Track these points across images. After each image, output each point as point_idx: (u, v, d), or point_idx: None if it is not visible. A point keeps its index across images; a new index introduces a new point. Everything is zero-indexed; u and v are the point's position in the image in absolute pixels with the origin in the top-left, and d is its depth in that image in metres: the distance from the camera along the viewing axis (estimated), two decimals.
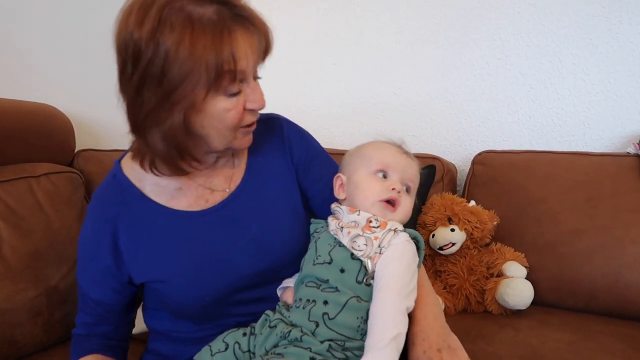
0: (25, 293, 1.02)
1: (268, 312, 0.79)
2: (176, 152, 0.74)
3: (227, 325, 0.81)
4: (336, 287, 0.74)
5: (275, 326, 0.75)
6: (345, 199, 0.85)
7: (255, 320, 0.79)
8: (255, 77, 0.76)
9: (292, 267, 0.85)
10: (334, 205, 0.85)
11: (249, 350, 0.76)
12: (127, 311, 0.88)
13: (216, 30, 0.67)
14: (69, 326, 1.10)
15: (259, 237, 0.83)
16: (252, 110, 0.75)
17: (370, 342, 0.68)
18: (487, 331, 1.14)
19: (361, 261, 0.75)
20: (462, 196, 1.45)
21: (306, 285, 0.77)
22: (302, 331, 0.71)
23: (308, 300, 0.75)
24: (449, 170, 1.49)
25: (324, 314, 0.72)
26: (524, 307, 1.21)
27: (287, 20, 1.89)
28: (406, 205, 0.81)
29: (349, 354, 0.71)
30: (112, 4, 1.49)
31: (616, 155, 1.36)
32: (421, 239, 0.80)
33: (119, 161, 0.86)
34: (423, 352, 0.72)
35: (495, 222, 1.32)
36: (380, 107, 1.77)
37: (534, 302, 1.22)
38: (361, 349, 0.70)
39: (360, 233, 0.77)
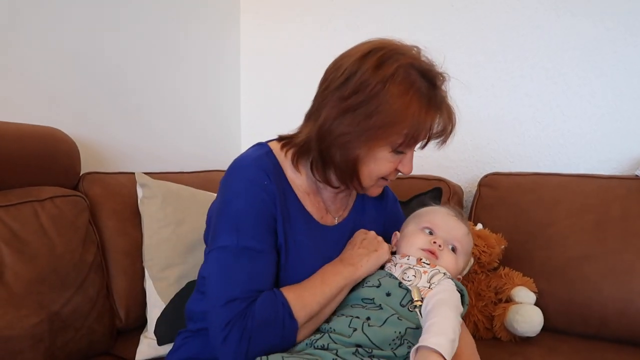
0: (27, 319, 1.01)
1: None
2: (349, 174, 0.83)
3: None
4: (380, 305, 0.80)
5: (300, 341, 0.79)
6: (396, 250, 0.95)
7: None
8: (420, 148, 0.88)
9: None
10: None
11: None
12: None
13: (427, 104, 0.79)
14: (71, 353, 1.10)
15: None
16: (397, 172, 0.87)
17: (432, 331, 0.71)
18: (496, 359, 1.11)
19: (407, 290, 0.82)
20: (469, 219, 1.44)
21: (351, 306, 0.83)
22: (330, 338, 0.76)
23: (351, 316, 0.80)
24: (455, 193, 1.48)
25: (364, 323, 0.77)
26: (533, 335, 1.18)
27: (282, 41, 1.91)
28: (448, 261, 0.90)
29: None
30: (119, 28, 1.51)
31: (625, 178, 1.34)
32: (466, 292, 0.86)
33: (267, 143, 0.92)
34: None
35: (503, 246, 1.30)
36: None
37: (543, 328, 1.20)
38: (390, 358, 0.75)
39: (411, 266, 0.86)
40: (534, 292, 1.24)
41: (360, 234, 0.92)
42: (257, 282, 0.79)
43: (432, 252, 0.89)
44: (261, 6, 2.00)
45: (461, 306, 0.82)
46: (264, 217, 0.82)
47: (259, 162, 0.86)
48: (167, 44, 1.72)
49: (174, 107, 1.77)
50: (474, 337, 1.25)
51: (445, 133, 0.86)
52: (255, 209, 0.82)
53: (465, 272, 1.27)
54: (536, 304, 1.22)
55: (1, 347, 0.95)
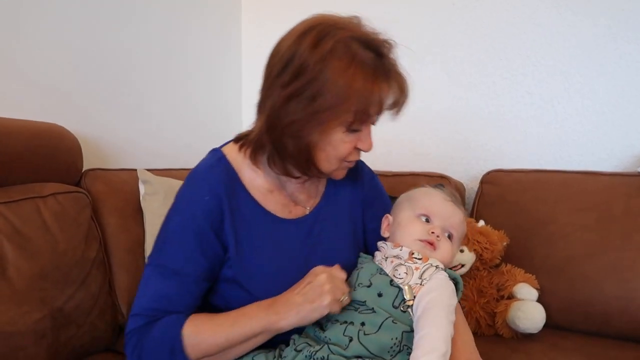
0: (29, 315, 1.00)
1: (294, 336, 0.81)
2: (305, 162, 0.80)
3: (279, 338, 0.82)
4: (372, 309, 0.77)
5: (301, 350, 0.77)
6: (389, 237, 0.91)
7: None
8: (373, 123, 0.83)
9: None
10: (379, 242, 0.90)
11: None
12: (200, 300, 0.85)
13: (373, 76, 0.74)
14: (74, 349, 1.10)
15: (325, 256, 0.87)
16: (359, 151, 0.83)
17: (423, 346, 0.70)
18: (498, 356, 1.11)
19: (400, 288, 0.79)
20: (471, 216, 1.44)
21: (344, 308, 0.80)
22: (329, 350, 0.74)
23: (345, 321, 0.78)
24: (457, 190, 1.48)
25: (359, 331, 0.75)
26: (535, 331, 1.18)
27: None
28: (446, 250, 0.85)
29: None
30: (121, 27, 1.51)
31: (627, 174, 1.34)
32: (460, 280, 0.83)
33: (220, 149, 0.89)
34: None
35: (505, 243, 1.31)
36: (387, 126, 1.76)
37: (545, 325, 1.20)
38: None
39: (403, 262, 0.82)
40: (536, 289, 1.24)
41: (311, 275, 0.78)
42: (164, 302, 0.79)
43: (430, 243, 0.84)
44: (262, 6, 2.00)
45: (455, 298, 0.80)
46: (194, 238, 0.79)
47: (210, 172, 0.84)
48: (169, 42, 1.72)
49: (176, 105, 1.77)
50: (475, 334, 1.26)
51: (398, 104, 0.81)
52: (185, 229, 0.80)
53: (466, 269, 1.27)
54: (538, 300, 1.22)
55: (4, 343, 0.95)
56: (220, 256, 0.82)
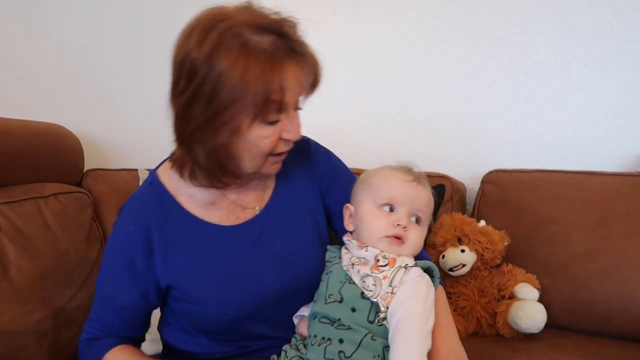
0: (31, 315, 1.01)
1: (286, 347, 0.79)
2: (218, 168, 0.76)
3: (246, 347, 0.82)
4: (349, 326, 0.73)
5: None
6: (353, 231, 0.84)
7: (272, 347, 0.80)
8: (296, 108, 0.77)
9: (312, 289, 0.85)
10: (345, 238, 0.85)
11: None
12: (146, 321, 0.88)
13: (269, 61, 0.68)
14: (76, 349, 1.09)
15: (283, 255, 0.84)
16: (287, 140, 0.76)
17: None
18: (499, 356, 1.11)
19: (372, 300, 0.74)
20: (472, 216, 1.44)
21: (319, 321, 0.77)
22: None
23: (323, 338, 0.75)
24: (458, 190, 1.48)
25: (340, 352, 0.72)
26: (536, 331, 1.18)
27: None
28: (415, 238, 0.80)
29: None
30: (121, 27, 1.51)
31: (628, 174, 1.34)
32: (435, 268, 0.79)
33: (155, 170, 0.87)
34: None
35: (506, 243, 1.31)
36: (388, 125, 1.76)
37: (546, 325, 1.19)
38: None
39: (369, 273, 0.76)
40: (537, 289, 1.24)
41: None
42: (104, 324, 0.84)
43: (397, 238, 0.78)
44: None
45: (432, 293, 0.76)
46: (124, 268, 0.80)
47: (139, 199, 0.84)
48: (170, 42, 1.72)
49: None
50: (476, 334, 1.26)
51: (310, 84, 0.75)
52: (116, 259, 0.81)
53: (467, 268, 1.27)
54: (539, 300, 1.22)
55: (5, 342, 0.96)
56: (152, 286, 0.81)
